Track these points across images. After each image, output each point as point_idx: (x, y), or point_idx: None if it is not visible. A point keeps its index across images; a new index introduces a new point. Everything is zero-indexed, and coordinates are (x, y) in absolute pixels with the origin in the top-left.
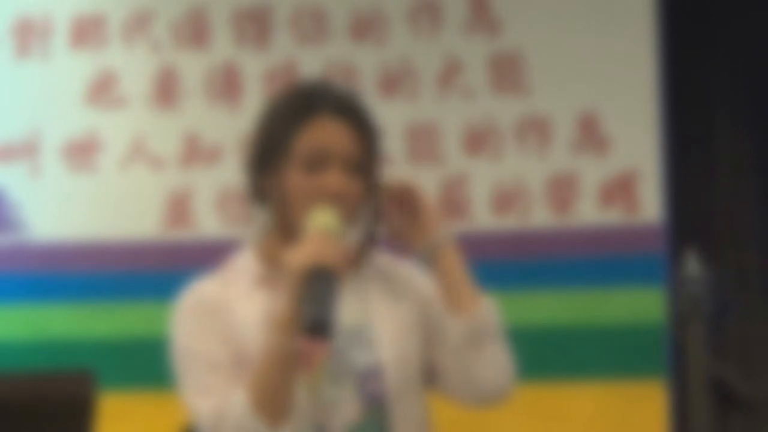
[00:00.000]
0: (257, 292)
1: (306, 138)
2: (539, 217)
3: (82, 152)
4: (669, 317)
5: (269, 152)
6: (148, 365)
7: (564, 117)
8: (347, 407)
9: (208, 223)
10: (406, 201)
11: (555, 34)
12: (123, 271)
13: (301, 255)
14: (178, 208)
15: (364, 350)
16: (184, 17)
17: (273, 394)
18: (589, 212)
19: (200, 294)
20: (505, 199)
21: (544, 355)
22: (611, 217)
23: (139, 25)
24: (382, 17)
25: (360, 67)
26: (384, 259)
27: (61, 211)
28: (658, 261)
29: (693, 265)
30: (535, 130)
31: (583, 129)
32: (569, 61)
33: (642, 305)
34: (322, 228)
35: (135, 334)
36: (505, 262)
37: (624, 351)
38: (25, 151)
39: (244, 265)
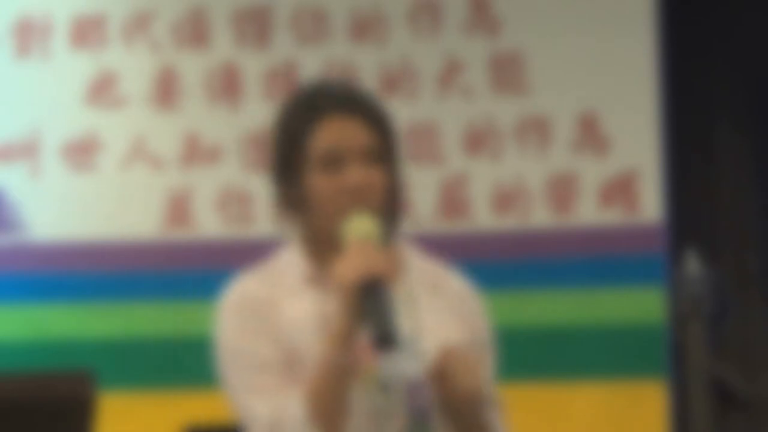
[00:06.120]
0: (306, 292)
1: (317, 140)
2: (539, 217)
3: (82, 152)
4: (669, 317)
5: (287, 161)
6: (148, 365)
7: (564, 117)
8: (395, 417)
9: (208, 223)
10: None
11: (555, 34)
12: (123, 271)
13: (349, 268)
14: (178, 208)
15: (415, 362)
16: (184, 17)
17: (330, 407)
18: (588, 212)
19: (246, 291)
20: (505, 199)
21: (544, 355)
22: (611, 217)
23: (139, 25)
24: (382, 17)
25: (360, 67)
26: (430, 267)
27: (61, 211)
28: (658, 261)
29: (693, 265)
30: (535, 130)
31: (583, 129)
32: (569, 61)
33: (642, 305)
34: (362, 236)
35: (135, 334)
36: (505, 262)
37: (624, 351)
38: (25, 151)
39: (291, 264)
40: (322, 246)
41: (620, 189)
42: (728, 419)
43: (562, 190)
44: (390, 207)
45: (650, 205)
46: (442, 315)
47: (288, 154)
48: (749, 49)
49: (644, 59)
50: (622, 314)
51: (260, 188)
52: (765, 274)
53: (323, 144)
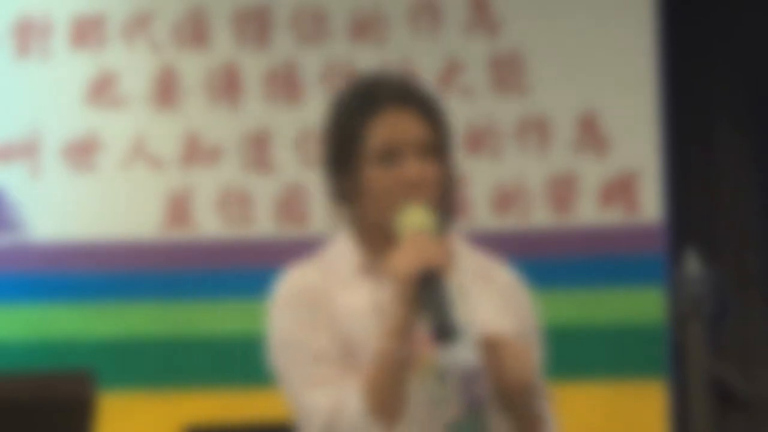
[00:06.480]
0: (360, 281)
1: (374, 135)
2: (539, 217)
3: (82, 152)
4: (669, 317)
5: (343, 154)
6: (148, 365)
7: (564, 117)
8: (451, 407)
9: (208, 223)
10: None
11: (555, 34)
12: (123, 271)
13: (406, 260)
14: (178, 208)
15: (471, 351)
16: (184, 17)
17: (388, 399)
18: (589, 212)
19: (299, 283)
20: (505, 199)
21: (544, 355)
22: (611, 217)
23: (139, 25)
24: (382, 17)
25: (360, 67)
26: (481, 259)
27: (61, 211)
28: (658, 261)
29: (693, 265)
30: (535, 130)
31: (583, 129)
32: (569, 61)
33: (642, 305)
34: (417, 227)
35: (135, 334)
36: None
37: (624, 351)
38: (25, 151)
39: (342, 254)
40: (375, 237)
41: (620, 189)
42: (728, 419)
43: (562, 190)
44: (444, 200)
45: (650, 205)
46: (493, 306)
47: (344, 147)
48: (749, 49)
49: (644, 59)
50: (622, 314)
51: (260, 188)
52: (765, 274)
53: (380, 138)
